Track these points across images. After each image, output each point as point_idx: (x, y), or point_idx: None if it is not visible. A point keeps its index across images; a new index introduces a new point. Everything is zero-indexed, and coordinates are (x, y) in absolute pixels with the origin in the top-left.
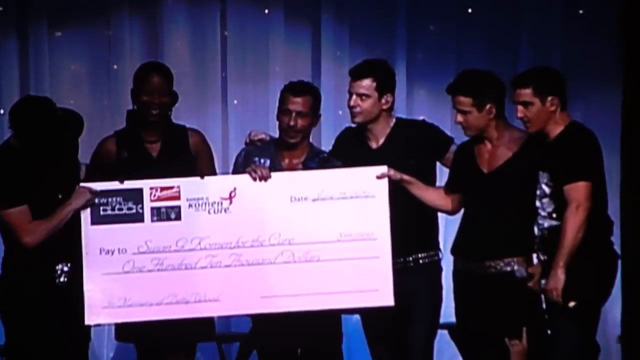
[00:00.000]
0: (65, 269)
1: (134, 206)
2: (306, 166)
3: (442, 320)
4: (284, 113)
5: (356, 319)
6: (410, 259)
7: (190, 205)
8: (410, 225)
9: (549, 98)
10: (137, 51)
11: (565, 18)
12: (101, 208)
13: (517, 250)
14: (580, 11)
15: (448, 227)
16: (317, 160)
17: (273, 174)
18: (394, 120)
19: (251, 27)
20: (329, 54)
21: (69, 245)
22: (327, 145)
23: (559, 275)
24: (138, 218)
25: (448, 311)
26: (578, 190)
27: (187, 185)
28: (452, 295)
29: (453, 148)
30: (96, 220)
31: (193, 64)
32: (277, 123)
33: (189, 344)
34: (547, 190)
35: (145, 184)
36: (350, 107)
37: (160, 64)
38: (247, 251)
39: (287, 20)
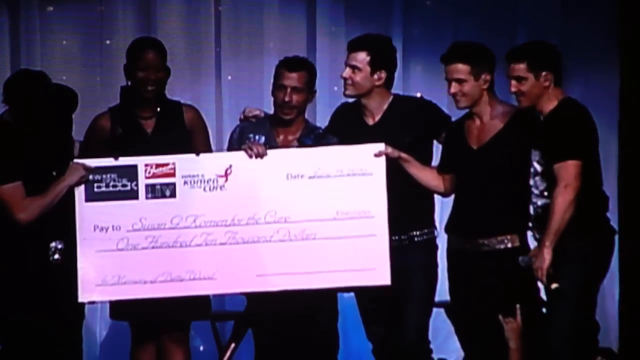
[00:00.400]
0: (59, 246)
1: (129, 183)
2: (301, 143)
3: (437, 298)
4: (279, 89)
5: (351, 296)
6: (406, 236)
7: (185, 182)
8: (405, 203)
9: (543, 73)
10: (129, 26)
11: None
12: (95, 185)
13: (510, 228)
14: None
15: (444, 205)
16: (312, 137)
17: (269, 151)
18: (392, 97)
19: (245, 2)
20: (324, 30)
21: (62, 222)
22: (322, 121)
23: (545, 255)
24: (133, 195)
25: (444, 289)
26: (567, 170)
27: (183, 162)
28: (447, 274)
29: None
30: (90, 197)
31: (186, 39)
32: (271, 99)
33: (183, 323)
34: (538, 168)
35: (140, 161)
36: (343, 79)
37: (154, 39)
38: (242, 229)
39: None
